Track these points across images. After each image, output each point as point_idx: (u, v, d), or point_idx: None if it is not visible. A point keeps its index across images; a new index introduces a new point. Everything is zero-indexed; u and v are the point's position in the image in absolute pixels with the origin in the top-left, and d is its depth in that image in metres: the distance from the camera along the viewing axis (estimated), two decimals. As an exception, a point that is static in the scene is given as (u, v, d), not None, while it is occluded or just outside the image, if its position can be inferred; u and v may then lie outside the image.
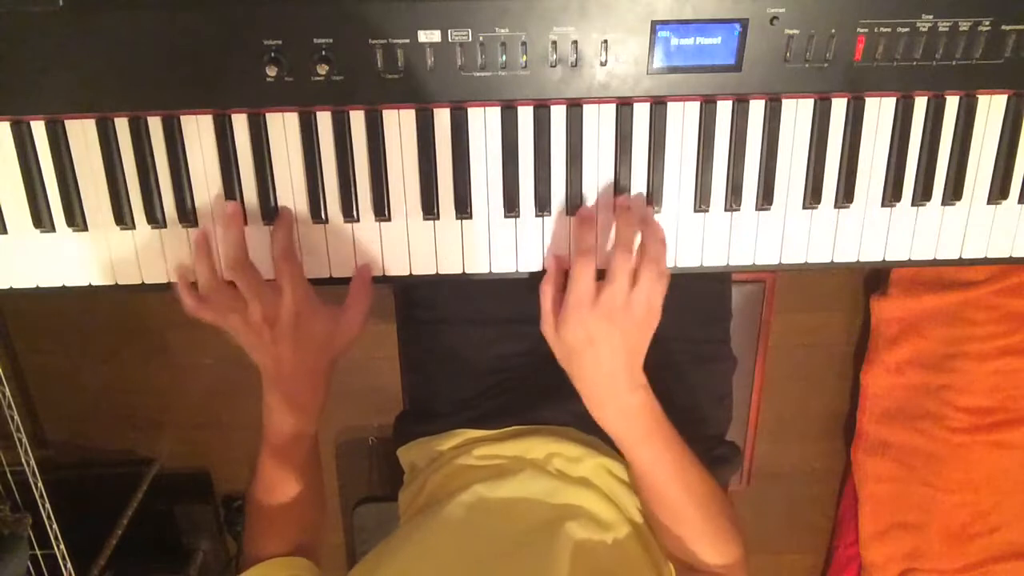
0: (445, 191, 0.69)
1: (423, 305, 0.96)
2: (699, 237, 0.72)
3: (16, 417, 1.39)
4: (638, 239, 0.67)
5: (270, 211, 0.69)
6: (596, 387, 0.68)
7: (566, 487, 0.76)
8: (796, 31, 0.64)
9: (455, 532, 0.71)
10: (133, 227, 0.69)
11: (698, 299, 0.94)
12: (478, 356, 0.93)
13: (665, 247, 0.68)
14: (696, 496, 0.71)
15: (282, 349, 0.67)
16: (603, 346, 0.65)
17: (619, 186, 0.70)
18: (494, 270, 0.72)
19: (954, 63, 0.66)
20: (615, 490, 0.79)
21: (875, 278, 1.63)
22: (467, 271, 0.72)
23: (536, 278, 0.73)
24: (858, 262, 0.73)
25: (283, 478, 0.74)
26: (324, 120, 0.67)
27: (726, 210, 0.71)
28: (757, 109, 0.68)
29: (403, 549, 0.69)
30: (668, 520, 0.72)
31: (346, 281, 0.71)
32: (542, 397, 0.87)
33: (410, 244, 0.71)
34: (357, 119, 0.67)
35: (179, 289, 0.68)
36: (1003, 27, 0.65)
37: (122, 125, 0.67)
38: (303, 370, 0.69)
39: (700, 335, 0.95)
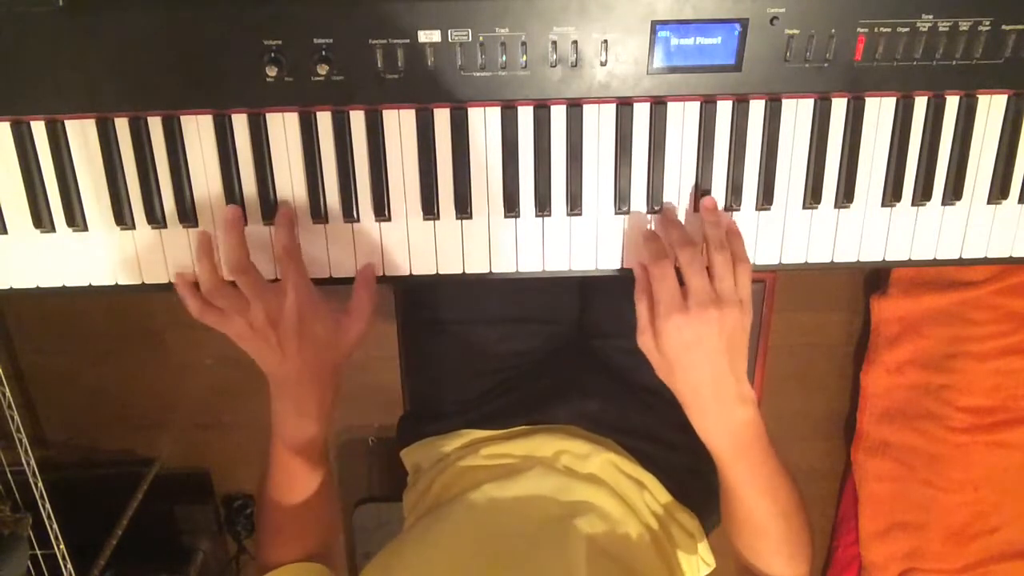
0: (445, 191, 0.69)
1: (425, 306, 0.96)
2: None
3: (16, 417, 1.39)
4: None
5: (270, 211, 0.69)
6: (701, 396, 0.65)
7: (575, 484, 0.76)
8: (796, 31, 0.64)
9: (468, 529, 0.71)
10: (133, 227, 0.69)
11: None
12: (480, 356, 0.94)
13: (734, 232, 0.68)
14: (783, 513, 0.69)
15: (286, 352, 0.66)
16: (702, 348, 0.63)
17: (620, 186, 0.70)
18: (494, 270, 0.72)
19: (954, 63, 0.66)
20: (623, 485, 0.79)
21: (875, 278, 1.63)
22: (467, 271, 0.72)
23: (536, 280, 0.73)
24: (858, 262, 0.73)
25: (294, 482, 0.73)
26: (324, 120, 0.67)
27: (726, 210, 0.71)
28: (757, 109, 0.68)
29: (417, 547, 0.69)
30: (749, 532, 0.72)
31: (347, 281, 0.71)
32: (546, 396, 0.88)
33: (410, 244, 0.71)
34: (357, 119, 0.67)
35: (181, 291, 0.67)
36: (1003, 27, 0.65)
37: (122, 125, 0.66)
38: (308, 373, 0.68)
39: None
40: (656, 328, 0.65)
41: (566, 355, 0.95)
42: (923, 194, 0.71)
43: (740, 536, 0.73)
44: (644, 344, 0.67)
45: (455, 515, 0.73)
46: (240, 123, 0.67)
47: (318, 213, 0.69)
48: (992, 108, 0.70)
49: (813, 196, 0.71)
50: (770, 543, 0.71)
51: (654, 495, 0.82)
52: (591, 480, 0.78)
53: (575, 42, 0.64)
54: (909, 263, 0.74)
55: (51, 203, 0.68)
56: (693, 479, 0.86)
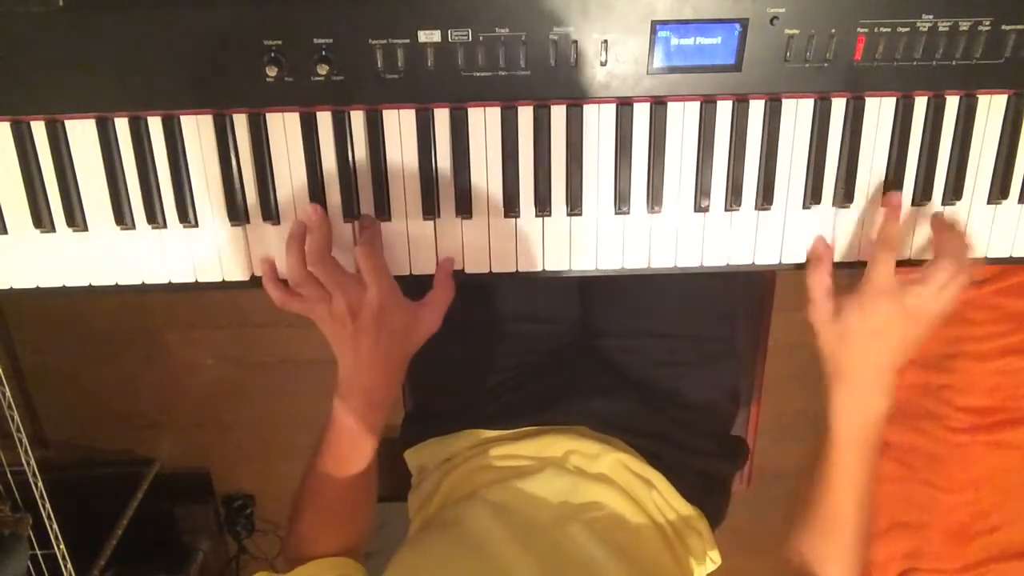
0: (445, 191, 0.69)
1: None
2: (699, 237, 0.72)
3: (16, 417, 1.39)
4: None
5: (271, 211, 0.69)
6: (858, 378, 0.67)
7: (586, 483, 0.77)
8: (796, 31, 0.64)
9: (485, 529, 0.70)
10: (133, 227, 0.69)
11: (704, 296, 0.94)
12: (483, 356, 0.93)
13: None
14: (861, 520, 0.70)
15: (363, 341, 0.67)
16: (888, 339, 0.65)
17: (620, 186, 0.70)
18: (494, 270, 0.72)
19: (954, 63, 0.66)
20: (632, 485, 0.79)
21: (875, 278, 1.62)
22: (467, 271, 0.72)
23: (536, 280, 0.73)
24: (858, 262, 0.73)
25: (344, 473, 0.73)
26: (324, 120, 0.67)
27: (726, 210, 0.71)
28: (757, 109, 0.68)
29: (436, 547, 0.69)
30: (823, 531, 0.72)
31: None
32: (553, 396, 0.87)
33: (410, 244, 0.71)
34: (357, 119, 0.67)
35: (266, 282, 0.69)
36: (1003, 27, 0.65)
37: (122, 125, 0.67)
38: (380, 363, 0.69)
39: (706, 332, 0.95)
40: (855, 298, 0.66)
41: (570, 354, 0.95)
42: (923, 194, 0.71)
43: (810, 536, 0.73)
44: (817, 317, 0.68)
45: (470, 515, 0.72)
46: (240, 123, 0.67)
47: (318, 213, 0.69)
48: (992, 108, 0.70)
49: (813, 196, 0.71)
50: (839, 547, 0.71)
51: (662, 494, 0.82)
52: (601, 480, 0.78)
53: (575, 42, 0.64)
54: (909, 263, 0.74)
55: (51, 203, 0.68)
56: (700, 478, 0.86)
